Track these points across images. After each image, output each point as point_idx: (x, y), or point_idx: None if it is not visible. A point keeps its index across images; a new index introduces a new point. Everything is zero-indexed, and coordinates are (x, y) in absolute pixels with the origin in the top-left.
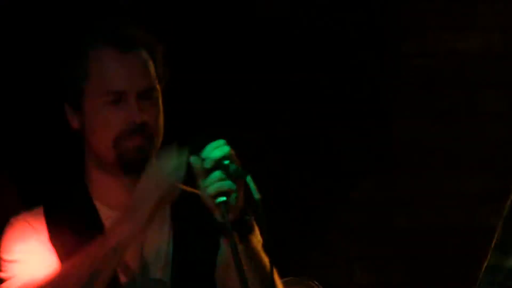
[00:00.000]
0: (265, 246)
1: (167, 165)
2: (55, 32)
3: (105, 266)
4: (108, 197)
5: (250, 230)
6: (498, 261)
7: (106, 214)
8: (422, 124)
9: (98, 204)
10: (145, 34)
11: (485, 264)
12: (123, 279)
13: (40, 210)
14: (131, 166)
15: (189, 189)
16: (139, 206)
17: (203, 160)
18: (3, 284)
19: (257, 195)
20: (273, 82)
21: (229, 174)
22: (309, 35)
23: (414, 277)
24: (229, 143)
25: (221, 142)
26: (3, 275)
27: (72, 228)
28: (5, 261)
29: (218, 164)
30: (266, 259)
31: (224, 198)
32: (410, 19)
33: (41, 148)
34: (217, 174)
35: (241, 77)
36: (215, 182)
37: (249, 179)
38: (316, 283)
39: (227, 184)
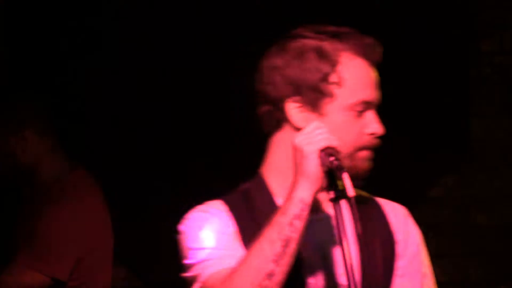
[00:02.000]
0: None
1: (313, 127)
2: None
3: (293, 234)
4: None
5: None
6: None
7: None
8: (502, 122)
9: (279, 202)
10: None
11: None
12: (310, 280)
13: (220, 203)
14: (359, 175)
15: (365, 193)
16: (305, 164)
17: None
18: (194, 271)
19: (351, 193)
20: None
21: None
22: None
23: (492, 275)
24: None
25: None
26: (191, 262)
27: (255, 224)
28: (193, 249)
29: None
30: None
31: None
32: (490, 17)
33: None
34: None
35: None
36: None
37: (345, 175)
38: None
39: None
